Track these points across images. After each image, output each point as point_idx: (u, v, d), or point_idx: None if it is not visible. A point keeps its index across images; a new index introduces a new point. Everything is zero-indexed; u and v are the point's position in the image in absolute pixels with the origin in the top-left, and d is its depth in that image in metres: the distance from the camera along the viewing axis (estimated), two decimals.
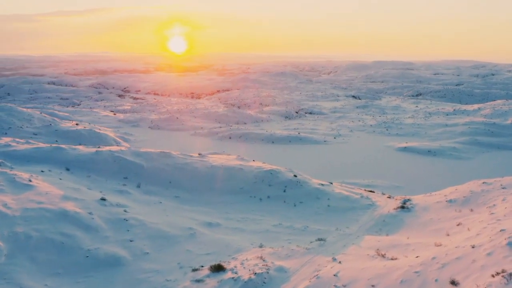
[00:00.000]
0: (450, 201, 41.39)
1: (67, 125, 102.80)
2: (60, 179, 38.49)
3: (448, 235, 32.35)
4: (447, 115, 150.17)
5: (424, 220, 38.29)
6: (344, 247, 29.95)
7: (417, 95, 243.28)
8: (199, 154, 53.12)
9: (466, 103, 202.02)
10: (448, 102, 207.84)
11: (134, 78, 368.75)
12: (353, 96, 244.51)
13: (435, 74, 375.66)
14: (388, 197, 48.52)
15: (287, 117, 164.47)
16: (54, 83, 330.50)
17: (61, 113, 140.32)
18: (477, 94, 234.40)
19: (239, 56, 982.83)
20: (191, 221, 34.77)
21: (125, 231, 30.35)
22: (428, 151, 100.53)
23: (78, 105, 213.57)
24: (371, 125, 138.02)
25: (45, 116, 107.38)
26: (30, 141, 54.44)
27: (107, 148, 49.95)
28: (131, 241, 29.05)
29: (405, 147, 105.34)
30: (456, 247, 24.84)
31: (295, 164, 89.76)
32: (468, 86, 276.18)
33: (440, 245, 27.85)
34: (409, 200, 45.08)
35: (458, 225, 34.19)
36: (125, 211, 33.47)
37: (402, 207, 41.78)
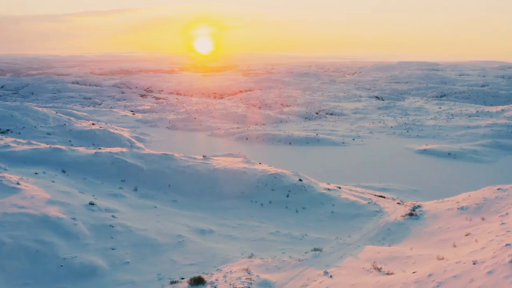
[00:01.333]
0: (462, 208, 39.17)
1: (82, 125, 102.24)
2: (53, 181, 37.21)
3: (454, 246, 30.30)
4: (470, 116, 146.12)
5: (432, 229, 36.18)
6: (340, 259, 28.08)
7: (441, 96, 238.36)
8: (203, 156, 51.51)
9: (491, 105, 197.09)
10: (472, 104, 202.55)
11: (158, 78, 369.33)
12: (376, 97, 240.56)
13: (460, 75, 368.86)
14: (398, 203, 46.42)
15: (307, 118, 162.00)
16: (78, 83, 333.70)
17: (79, 112, 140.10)
18: (503, 95, 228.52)
19: (264, 56, 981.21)
20: (183, 227, 33.18)
21: (109, 238, 28.87)
22: (448, 153, 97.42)
23: (99, 104, 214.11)
24: (391, 127, 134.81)
25: (61, 116, 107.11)
26: (32, 141, 53.35)
27: (108, 149, 48.62)
28: (112, 249, 27.54)
29: (425, 150, 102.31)
30: (457, 262, 22.91)
31: (310, 166, 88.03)
32: (493, 87, 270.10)
33: (442, 258, 25.87)
34: (419, 206, 42.96)
35: (466, 235, 32.05)
36: (113, 216, 32.01)
37: (411, 214, 39.73)
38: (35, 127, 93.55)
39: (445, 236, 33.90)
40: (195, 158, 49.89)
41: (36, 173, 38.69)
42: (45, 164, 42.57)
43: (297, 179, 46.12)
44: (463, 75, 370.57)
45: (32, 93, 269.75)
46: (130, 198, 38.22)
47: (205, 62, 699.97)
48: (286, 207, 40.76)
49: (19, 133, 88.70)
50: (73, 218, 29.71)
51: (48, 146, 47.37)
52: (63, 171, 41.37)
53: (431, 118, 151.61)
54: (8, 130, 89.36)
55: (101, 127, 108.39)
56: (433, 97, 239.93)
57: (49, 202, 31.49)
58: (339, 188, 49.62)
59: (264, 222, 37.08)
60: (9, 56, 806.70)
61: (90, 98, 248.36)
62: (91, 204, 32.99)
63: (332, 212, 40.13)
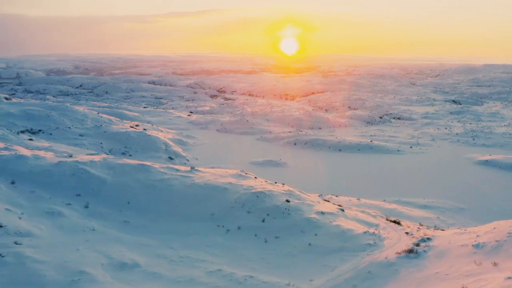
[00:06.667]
0: (477, 246, 30.93)
1: (119, 126, 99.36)
2: None
3: None
4: None
5: (427, 274, 28.44)
6: None
7: None
8: (191, 168, 45.59)
9: None
10: None
11: (233, 78, 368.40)
12: (453, 101, 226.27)
13: None
14: (406, 232, 38.34)
15: (369, 122, 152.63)
16: (154, 83, 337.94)
17: (130, 113, 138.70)
18: None
19: (349, 58, 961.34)
20: (102, 259, 27.41)
21: None
22: None
23: (163, 104, 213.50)
24: (456, 134, 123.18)
25: (101, 117, 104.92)
26: (13, 147, 49.27)
27: (79, 157, 43.59)
28: None
29: (487, 160, 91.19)
30: None
31: (347, 177, 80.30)
32: None
33: None
34: (428, 239, 34.91)
35: None
36: (15, 243, 26.78)
37: (410, 251, 31.93)
38: (69, 127, 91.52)
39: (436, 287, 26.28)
40: (177, 170, 44.06)
41: None
42: None
43: (285, 199, 39.13)
44: None
45: (106, 92, 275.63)
46: (69, 218, 32.92)
47: (288, 63, 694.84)
48: (255, 235, 34.01)
49: (51, 134, 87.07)
50: None
51: (14, 153, 42.98)
52: (12, 183, 36.73)
53: (504, 125, 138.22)
54: (40, 130, 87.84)
55: (144, 129, 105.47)
56: None
57: None
58: (342, 210, 42.11)
59: (216, 254, 30.66)
60: (95, 55, 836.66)
61: (161, 98, 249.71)
62: None
63: (310, 244, 33.01)
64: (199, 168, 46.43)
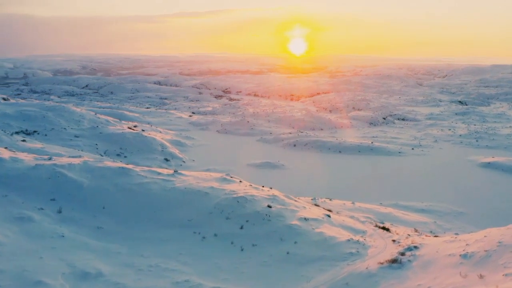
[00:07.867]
0: (465, 256, 29.20)
1: (116, 127, 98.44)
2: None
3: None
4: None
5: (408, 286, 27.10)
6: None
7: None
8: (174, 171, 44.36)
9: None
10: None
11: (239, 79, 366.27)
12: (460, 102, 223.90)
13: None
14: (393, 240, 36.87)
15: (372, 123, 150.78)
16: (159, 83, 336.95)
17: (131, 113, 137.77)
18: None
19: (357, 58, 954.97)
20: (64, 268, 26.19)
21: None
22: None
23: (166, 105, 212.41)
24: (460, 135, 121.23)
25: (99, 118, 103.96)
26: None
27: (58, 160, 42.37)
28: None
29: (489, 163, 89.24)
30: None
31: (343, 180, 78.91)
32: None
33: None
34: (415, 248, 33.35)
35: None
36: None
37: (394, 261, 30.44)
38: (64, 128, 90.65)
39: None
40: (159, 173, 42.78)
41: None
42: None
43: (266, 204, 37.78)
44: None
45: (111, 92, 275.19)
46: (39, 223, 31.74)
47: (296, 64, 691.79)
48: (232, 243, 32.64)
49: (46, 135, 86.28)
50: None
51: None
52: None
53: (509, 126, 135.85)
54: (35, 131, 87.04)
55: (143, 130, 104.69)
56: None
57: None
58: (328, 216, 40.69)
59: (187, 263, 29.34)
60: (103, 55, 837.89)
61: (165, 99, 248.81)
62: None
63: (288, 253, 31.62)
64: (183, 172, 45.17)
